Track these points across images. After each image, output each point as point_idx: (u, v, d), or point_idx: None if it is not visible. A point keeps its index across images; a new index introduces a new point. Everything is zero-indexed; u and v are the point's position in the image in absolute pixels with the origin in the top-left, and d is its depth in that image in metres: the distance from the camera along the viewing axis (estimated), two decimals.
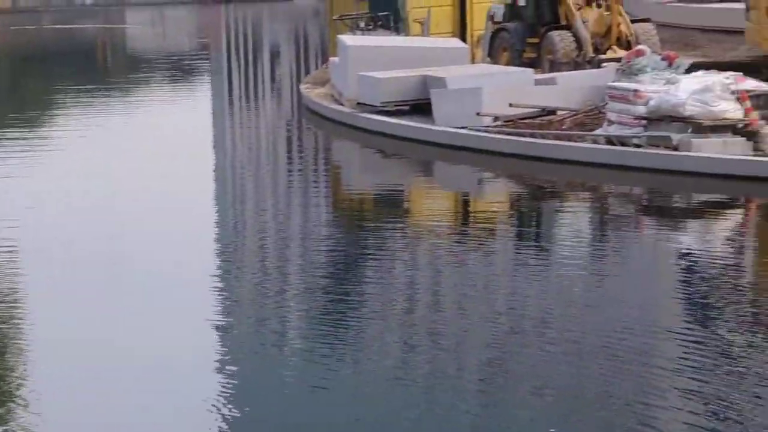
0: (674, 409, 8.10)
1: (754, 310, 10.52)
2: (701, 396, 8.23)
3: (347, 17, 29.90)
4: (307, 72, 33.26)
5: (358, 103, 22.18)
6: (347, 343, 9.79)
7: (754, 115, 16.75)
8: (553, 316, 10.48)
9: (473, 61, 24.65)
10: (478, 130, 19.15)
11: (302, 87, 27.16)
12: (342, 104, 22.94)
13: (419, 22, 26.89)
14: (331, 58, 25.40)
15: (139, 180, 17.64)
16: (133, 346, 9.74)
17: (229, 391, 8.66)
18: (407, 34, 26.85)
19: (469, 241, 14.01)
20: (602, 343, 9.43)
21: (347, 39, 24.81)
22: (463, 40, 25.86)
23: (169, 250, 13.24)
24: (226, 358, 9.52)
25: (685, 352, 9.10)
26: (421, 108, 20.56)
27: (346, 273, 12.37)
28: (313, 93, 25.28)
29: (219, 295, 11.54)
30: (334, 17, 30.71)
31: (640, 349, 9.28)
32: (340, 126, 22.32)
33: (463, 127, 19.31)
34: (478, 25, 26.17)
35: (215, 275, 12.24)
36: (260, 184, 18.42)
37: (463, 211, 16.73)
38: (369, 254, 13.17)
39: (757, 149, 16.50)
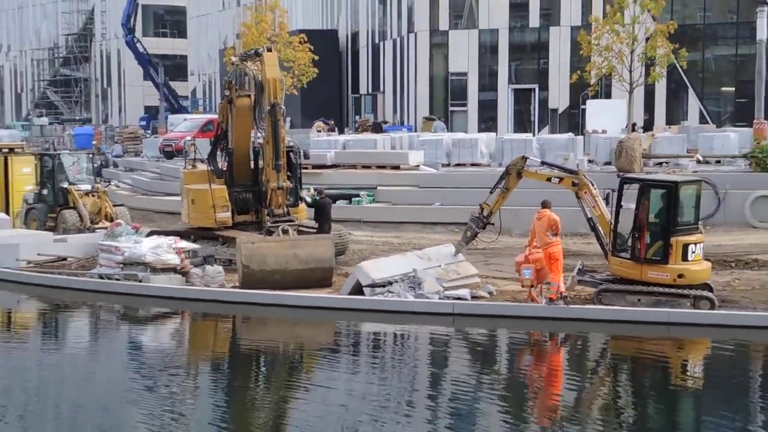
0: None
1: None
2: None
3: None
4: None
5: None
6: None
7: (186, 262, 22.34)
8: None
9: (14, 227, 28.03)
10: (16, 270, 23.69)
11: None
12: None
13: None
14: None
15: None
16: None
17: None
18: None
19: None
20: None
21: None
22: (7, 213, 29.18)
23: None
24: None
25: None
26: None
27: None
28: None
29: None
30: None
31: None
32: None
33: (6, 268, 23.82)
34: (18, 204, 29.93)
35: None
36: None
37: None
38: None
39: (188, 281, 22.14)
